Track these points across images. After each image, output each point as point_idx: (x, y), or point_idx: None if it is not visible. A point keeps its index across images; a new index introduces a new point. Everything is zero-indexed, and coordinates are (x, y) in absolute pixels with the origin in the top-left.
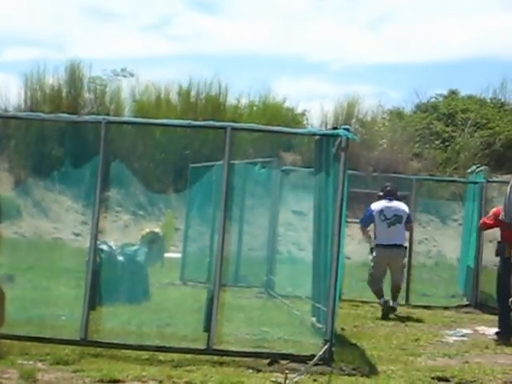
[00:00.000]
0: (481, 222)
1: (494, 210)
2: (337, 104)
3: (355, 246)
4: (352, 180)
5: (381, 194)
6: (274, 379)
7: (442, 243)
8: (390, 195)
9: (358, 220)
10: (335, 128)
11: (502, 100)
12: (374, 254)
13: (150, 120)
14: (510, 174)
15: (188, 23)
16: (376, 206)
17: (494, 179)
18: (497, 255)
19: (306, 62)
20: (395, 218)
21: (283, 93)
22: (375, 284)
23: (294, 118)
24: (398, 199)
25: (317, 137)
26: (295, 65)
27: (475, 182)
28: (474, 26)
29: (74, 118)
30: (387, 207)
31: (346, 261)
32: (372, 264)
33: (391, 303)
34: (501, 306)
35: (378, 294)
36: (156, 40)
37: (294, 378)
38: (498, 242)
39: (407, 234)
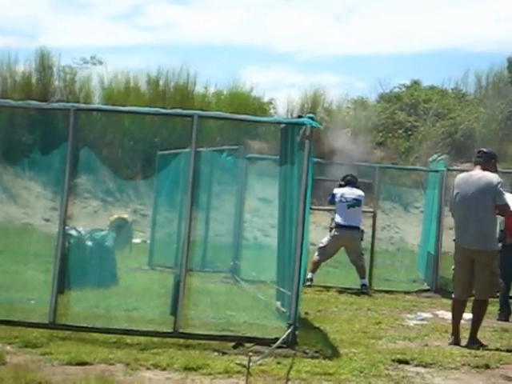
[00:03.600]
0: None
1: None
2: (303, 93)
3: (320, 233)
4: (317, 168)
5: (342, 182)
6: (238, 362)
7: (403, 230)
8: (351, 183)
9: (323, 207)
10: (300, 116)
11: (464, 91)
12: (332, 232)
13: (119, 108)
14: (470, 162)
15: (158, 13)
16: (338, 190)
17: (455, 167)
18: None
19: (273, 51)
20: (354, 202)
21: (251, 82)
22: (320, 255)
23: (260, 107)
24: (357, 187)
25: (282, 125)
26: (263, 54)
27: (436, 171)
28: (437, 18)
29: (43, 105)
30: (348, 192)
31: (310, 247)
32: (327, 240)
33: (361, 282)
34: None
35: (314, 266)
36: (126, 29)
37: (258, 360)
38: (501, 231)
39: (364, 220)
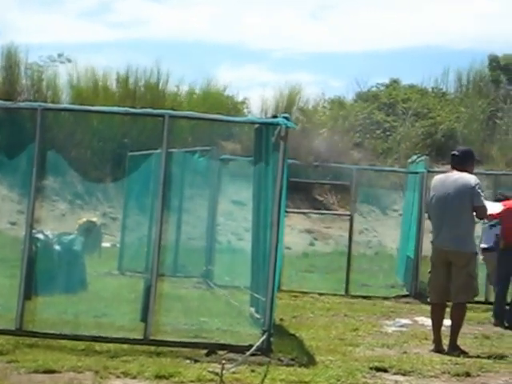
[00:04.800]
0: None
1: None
2: (278, 92)
3: (295, 237)
4: (292, 169)
5: None
6: (211, 369)
7: (382, 233)
8: None
9: (298, 210)
10: (274, 116)
11: (444, 90)
12: None
13: (87, 107)
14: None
15: (128, 9)
16: None
17: (435, 169)
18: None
19: (247, 49)
20: None
21: (224, 81)
22: None
23: (234, 106)
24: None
25: (256, 125)
26: (237, 52)
27: (415, 172)
28: (416, 16)
29: (9, 104)
30: None
31: (285, 251)
32: None
33: None
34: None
35: None
36: (95, 26)
37: (231, 368)
38: (496, 235)
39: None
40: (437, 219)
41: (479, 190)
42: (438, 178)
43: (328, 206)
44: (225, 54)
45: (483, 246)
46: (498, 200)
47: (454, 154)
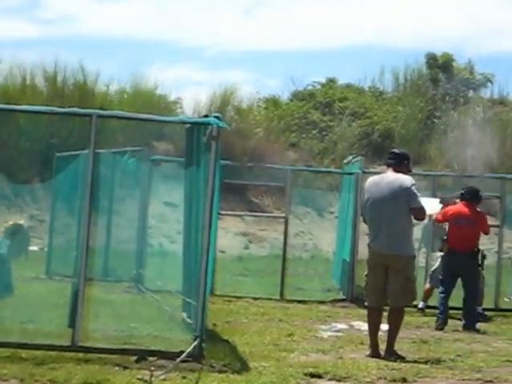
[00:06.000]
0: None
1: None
2: (211, 91)
3: (230, 240)
4: (226, 171)
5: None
6: (140, 377)
7: (318, 236)
8: None
9: (233, 212)
10: (206, 116)
11: (381, 89)
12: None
13: (11, 106)
14: None
15: (56, 5)
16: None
17: (371, 170)
18: (440, 250)
19: (180, 47)
20: None
21: (155, 79)
22: (432, 282)
23: (166, 106)
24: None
25: (188, 125)
26: (169, 50)
27: (351, 173)
28: (353, 14)
29: None
30: None
31: (219, 254)
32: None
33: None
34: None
35: (426, 294)
36: (22, 22)
37: (161, 375)
38: (442, 239)
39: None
40: (373, 222)
41: (415, 191)
42: (372, 179)
43: (263, 208)
44: (157, 52)
45: None
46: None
47: (393, 152)
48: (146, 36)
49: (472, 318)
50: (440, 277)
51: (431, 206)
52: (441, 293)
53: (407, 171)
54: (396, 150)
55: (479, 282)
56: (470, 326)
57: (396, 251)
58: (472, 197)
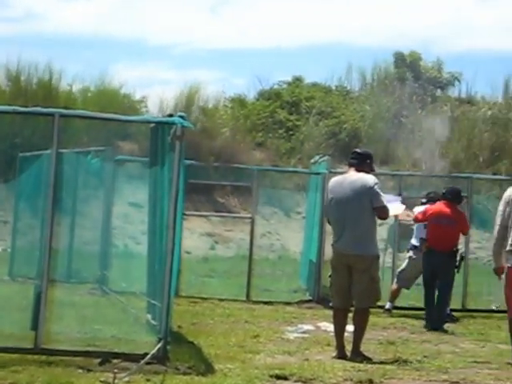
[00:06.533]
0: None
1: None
2: (177, 90)
3: (195, 240)
4: (192, 171)
5: (423, 200)
6: (103, 379)
7: (285, 236)
8: (432, 201)
9: (198, 213)
10: (171, 115)
11: (348, 88)
12: (409, 255)
13: None
14: None
15: (19, 2)
16: (417, 208)
17: (338, 170)
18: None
19: (145, 46)
20: None
21: (120, 78)
22: (399, 282)
23: (131, 105)
24: None
25: (152, 125)
26: (134, 49)
27: (318, 173)
28: (320, 12)
29: None
30: None
31: (185, 255)
32: (406, 263)
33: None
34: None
35: (393, 295)
36: None
37: (124, 377)
38: (421, 239)
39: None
40: (337, 222)
41: (378, 190)
42: (335, 180)
43: (230, 209)
44: (122, 51)
45: (416, 244)
46: (431, 199)
47: (355, 152)
48: (111, 34)
49: (441, 318)
50: (405, 277)
51: (395, 207)
52: (425, 294)
53: (370, 171)
54: (358, 150)
55: (453, 284)
56: (437, 327)
57: (360, 251)
58: (454, 197)
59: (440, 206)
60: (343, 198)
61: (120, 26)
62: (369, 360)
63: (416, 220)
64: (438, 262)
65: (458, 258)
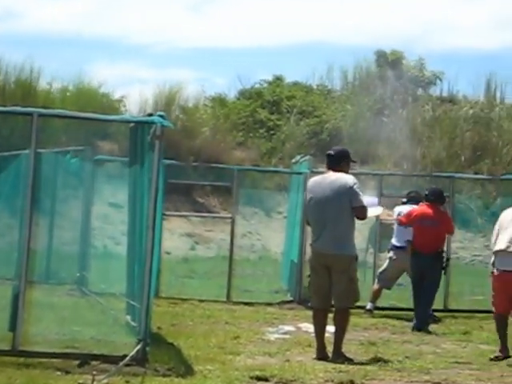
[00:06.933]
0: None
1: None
2: (157, 90)
3: (175, 241)
4: (171, 170)
5: (404, 199)
6: (82, 381)
7: (266, 237)
8: (413, 200)
9: (178, 213)
10: (150, 115)
11: (329, 87)
12: (390, 255)
13: None
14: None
15: None
16: (398, 208)
17: (319, 169)
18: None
19: (124, 44)
20: None
21: (100, 77)
22: (380, 282)
23: (110, 105)
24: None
25: (132, 124)
26: (113, 48)
27: (299, 173)
28: (300, 9)
29: None
30: (407, 210)
31: (165, 256)
32: (386, 264)
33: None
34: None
35: (374, 295)
36: None
37: (103, 379)
38: (408, 241)
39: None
40: (316, 222)
41: (358, 190)
42: (314, 180)
43: (210, 209)
44: (101, 49)
45: (396, 244)
46: (412, 198)
47: (329, 154)
48: (91, 33)
49: (425, 319)
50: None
51: (373, 210)
52: (413, 295)
53: (348, 170)
54: (331, 152)
55: (439, 285)
56: (421, 327)
57: (339, 251)
58: (436, 198)
59: (423, 208)
60: (323, 198)
61: (99, 25)
62: (350, 361)
63: (400, 223)
64: (425, 264)
65: (445, 259)
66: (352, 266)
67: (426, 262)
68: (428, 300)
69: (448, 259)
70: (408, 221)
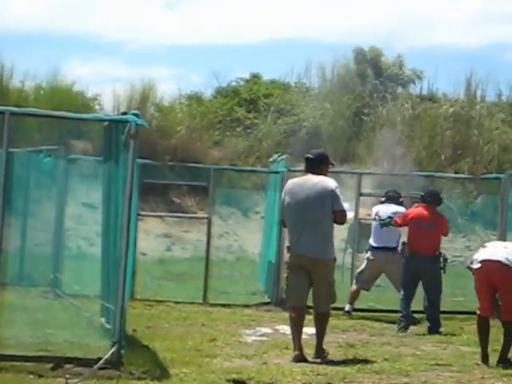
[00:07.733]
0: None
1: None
2: (131, 88)
3: (151, 242)
4: (147, 170)
5: (382, 199)
6: None
7: (243, 237)
8: (391, 199)
9: (153, 213)
10: (124, 113)
11: (307, 85)
12: (367, 256)
13: None
14: None
15: None
16: (375, 207)
17: (297, 168)
18: (400, 254)
19: (98, 42)
20: (389, 220)
21: (73, 75)
22: (358, 283)
23: (84, 103)
24: (399, 203)
25: (105, 123)
26: (87, 45)
27: (277, 172)
28: (276, 6)
29: None
30: (384, 209)
31: (140, 257)
32: (364, 264)
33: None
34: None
35: (353, 296)
36: None
37: (77, 383)
38: (403, 242)
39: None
40: (296, 225)
41: (339, 194)
42: (294, 182)
43: (186, 209)
44: (74, 47)
45: (373, 244)
46: (390, 198)
47: (308, 158)
48: (64, 30)
49: (437, 321)
50: (364, 279)
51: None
52: (402, 297)
53: (326, 173)
54: (310, 155)
55: (442, 285)
56: (434, 330)
57: (321, 255)
58: (433, 199)
59: (419, 210)
60: (303, 200)
61: (73, 22)
62: (326, 359)
63: (395, 224)
64: (423, 267)
65: (442, 260)
66: (332, 269)
67: (423, 264)
68: (435, 302)
69: (446, 259)
70: (403, 222)
